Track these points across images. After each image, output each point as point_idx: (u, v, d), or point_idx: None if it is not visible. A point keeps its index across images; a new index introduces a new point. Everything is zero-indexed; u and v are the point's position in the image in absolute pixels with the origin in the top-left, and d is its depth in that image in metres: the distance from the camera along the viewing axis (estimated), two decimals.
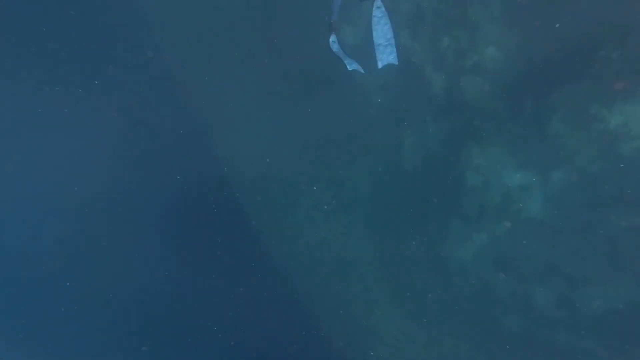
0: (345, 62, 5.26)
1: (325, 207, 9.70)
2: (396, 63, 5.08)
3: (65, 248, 9.05)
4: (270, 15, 8.73)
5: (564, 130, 6.81)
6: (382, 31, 5.03)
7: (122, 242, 9.27)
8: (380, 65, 5.08)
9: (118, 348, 9.68)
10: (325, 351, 10.18)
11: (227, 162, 9.53)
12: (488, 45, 7.68)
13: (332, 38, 4.79)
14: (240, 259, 9.74)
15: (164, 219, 9.44)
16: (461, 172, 8.64)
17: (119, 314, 9.46)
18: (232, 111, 9.26)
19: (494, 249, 8.87)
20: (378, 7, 4.87)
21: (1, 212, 8.88)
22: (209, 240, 9.38)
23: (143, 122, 9.13)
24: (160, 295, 9.34)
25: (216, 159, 9.42)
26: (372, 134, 9.52)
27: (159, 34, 9.04)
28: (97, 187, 9.05)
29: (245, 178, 9.72)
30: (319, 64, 8.27)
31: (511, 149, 7.94)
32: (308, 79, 8.76)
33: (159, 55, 8.99)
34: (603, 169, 6.42)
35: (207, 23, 8.90)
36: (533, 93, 7.14)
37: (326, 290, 9.73)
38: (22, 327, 9.44)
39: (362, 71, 5.23)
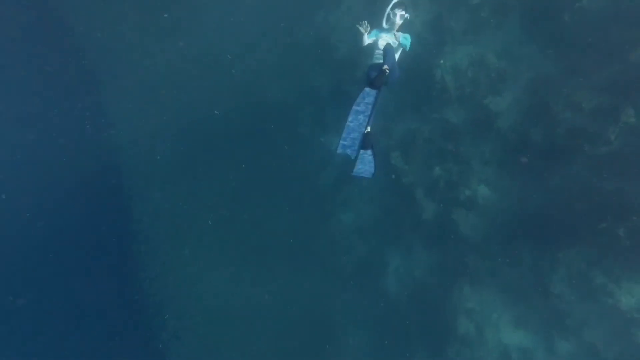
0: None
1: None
2: (370, 177, 4.80)
3: None
4: None
5: (567, 294, 5.84)
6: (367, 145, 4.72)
7: None
8: (354, 173, 4.80)
9: None
10: None
11: None
12: (480, 183, 7.34)
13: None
14: None
15: None
16: (452, 314, 7.47)
17: None
18: None
19: None
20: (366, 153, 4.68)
21: None
22: None
23: None
24: None
25: None
26: (354, 247, 8.74)
27: None
28: None
29: None
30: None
31: (508, 299, 6.87)
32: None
33: None
34: (620, 356, 5.24)
35: None
36: (530, 243, 6.42)
37: None
38: None
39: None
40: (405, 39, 4.41)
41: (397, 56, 4.45)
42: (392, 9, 4.29)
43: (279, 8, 7.97)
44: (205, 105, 8.25)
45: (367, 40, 4.52)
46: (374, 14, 7.27)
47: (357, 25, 4.38)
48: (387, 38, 4.41)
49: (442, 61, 7.52)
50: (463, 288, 7.36)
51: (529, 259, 6.50)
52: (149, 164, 9.18)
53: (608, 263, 5.29)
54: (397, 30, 4.41)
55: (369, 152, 4.61)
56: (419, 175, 8.15)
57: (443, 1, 7.80)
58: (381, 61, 4.34)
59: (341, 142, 4.38)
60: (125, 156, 9.68)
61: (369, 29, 4.42)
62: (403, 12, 4.28)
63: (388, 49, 4.24)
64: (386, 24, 4.42)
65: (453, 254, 7.58)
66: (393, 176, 7.98)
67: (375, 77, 4.12)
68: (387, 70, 4.08)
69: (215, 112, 8.09)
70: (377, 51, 4.50)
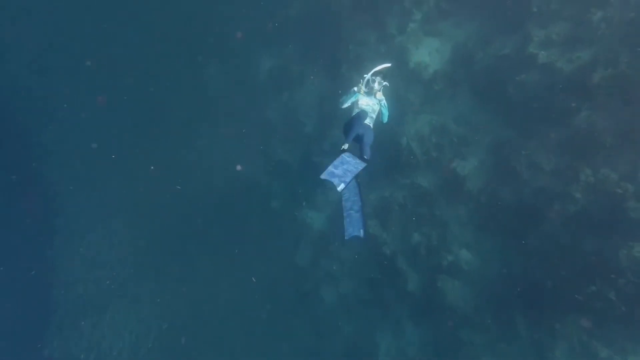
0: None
1: None
2: (362, 236, 4.48)
3: None
4: None
5: None
6: (352, 201, 4.56)
7: None
8: (347, 236, 4.47)
9: None
10: None
11: None
12: (461, 247, 7.15)
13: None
14: None
15: None
16: None
17: None
18: None
19: None
20: (351, 181, 4.49)
21: None
22: None
23: None
24: None
25: None
26: (341, 329, 7.95)
27: None
28: None
29: None
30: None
31: None
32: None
33: None
34: None
35: None
36: (523, 313, 6.05)
37: None
38: None
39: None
40: (385, 108, 4.61)
41: (374, 117, 4.60)
42: (372, 75, 4.52)
43: (247, 91, 8.29)
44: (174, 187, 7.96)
45: (348, 102, 4.73)
46: (334, 92, 7.63)
47: (354, 88, 4.61)
48: (367, 100, 4.60)
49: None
50: None
51: (525, 331, 6.04)
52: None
53: (608, 332, 4.96)
54: (375, 95, 4.62)
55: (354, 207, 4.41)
56: (399, 243, 7.88)
57: (399, 76, 8.43)
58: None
59: (331, 168, 4.09)
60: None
61: (362, 88, 4.62)
62: (381, 80, 4.54)
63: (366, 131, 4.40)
64: (365, 88, 4.61)
65: (446, 328, 7.01)
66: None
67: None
68: (367, 158, 4.17)
69: (177, 187, 7.78)
70: (356, 110, 4.67)
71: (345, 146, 4.19)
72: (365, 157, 4.24)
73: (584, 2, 6.35)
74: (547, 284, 5.92)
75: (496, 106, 7.31)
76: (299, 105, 8.22)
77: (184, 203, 8.27)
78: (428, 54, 8.23)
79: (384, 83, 4.62)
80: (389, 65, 4.53)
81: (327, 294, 7.88)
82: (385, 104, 4.57)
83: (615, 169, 5.94)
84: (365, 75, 4.53)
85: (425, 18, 8.10)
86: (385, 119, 4.71)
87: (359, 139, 4.34)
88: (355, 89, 4.62)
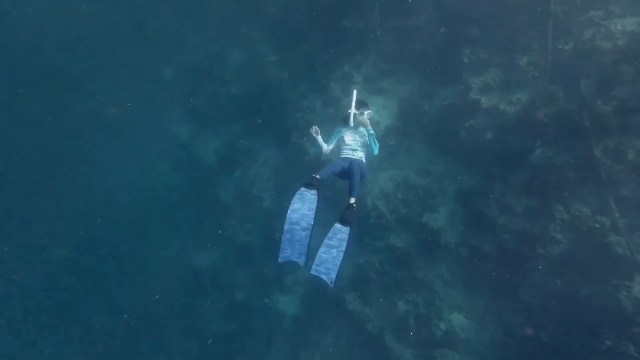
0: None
1: None
2: (302, 264, 3.72)
3: None
4: None
5: None
6: (302, 215, 3.80)
7: None
8: (281, 259, 3.70)
9: None
10: None
11: None
12: (452, 311, 6.37)
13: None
14: None
15: None
16: None
17: None
18: None
19: None
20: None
21: None
22: None
23: None
24: None
25: None
26: None
27: None
28: None
29: None
30: None
31: None
32: None
33: None
34: None
35: None
36: None
37: None
38: None
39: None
40: (372, 138, 4.16)
41: (364, 150, 4.18)
42: (358, 109, 4.13)
43: (195, 175, 7.76)
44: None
45: (326, 145, 4.29)
46: (288, 161, 7.20)
47: (310, 131, 4.20)
48: (353, 134, 4.20)
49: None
50: None
51: None
52: None
53: None
54: (364, 126, 4.18)
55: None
56: (384, 317, 6.97)
57: None
58: (349, 156, 4.09)
59: (314, 266, 3.42)
60: None
61: (319, 131, 4.24)
62: (369, 111, 4.21)
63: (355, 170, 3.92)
64: (352, 123, 4.20)
65: None
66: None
67: (344, 213, 3.57)
68: (355, 205, 3.60)
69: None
70: (344, 147, 4.22)
71: (317, 175, 3.59)
72: (353, 198, 3.64)
73: (509, 50, 6.67)
74: (555, 342, 5.17)
75: (453, 153, 7.19)
76: (253, 181, 7.73)
77: (134, 310, 7.06)
78: (376, 112, 8.24)
79: (369, 111, 4.27)
80: (355, 90, 4.15)
81: None
82: (373, 133, 4.15)
83: (586, 204, 5.68)
84: (349, 111, 4.17)
85: (366, 79, 8.27)
86: (376, 151, 4.23)
87: (348, 173, 3.91)
88: (320, 140, 4.23)
